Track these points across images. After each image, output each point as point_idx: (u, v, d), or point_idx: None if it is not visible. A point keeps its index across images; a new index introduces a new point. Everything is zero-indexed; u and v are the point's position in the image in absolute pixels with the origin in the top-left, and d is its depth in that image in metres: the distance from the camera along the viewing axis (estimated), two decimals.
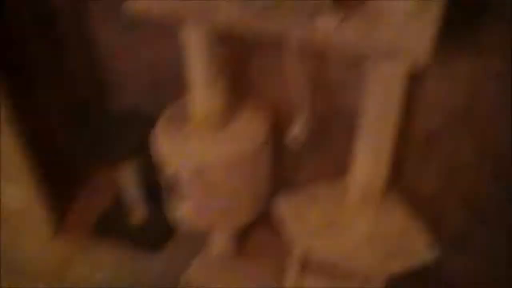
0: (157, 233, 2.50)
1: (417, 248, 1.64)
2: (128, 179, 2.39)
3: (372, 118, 1.51)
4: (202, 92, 1.71)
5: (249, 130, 1.84)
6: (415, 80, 1.56)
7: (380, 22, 1.29)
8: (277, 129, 1.91)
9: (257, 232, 2.41)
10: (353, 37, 1.28)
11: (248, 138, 1.82)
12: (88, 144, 2.24)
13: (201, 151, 1.78)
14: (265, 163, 1.93)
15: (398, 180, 1.85)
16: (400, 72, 1.39)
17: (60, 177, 2.57)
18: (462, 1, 1.44)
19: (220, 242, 2.27)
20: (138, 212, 2.50)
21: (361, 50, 1.32)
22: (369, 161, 1.60)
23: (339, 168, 1.82)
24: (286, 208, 1.77)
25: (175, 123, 1.87)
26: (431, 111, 1.78)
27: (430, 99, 1.75)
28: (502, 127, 1.69)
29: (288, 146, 1.74)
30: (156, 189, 2.12)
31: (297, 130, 1.71)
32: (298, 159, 2.14)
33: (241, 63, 1.96)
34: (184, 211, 1.94)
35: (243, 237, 2.38)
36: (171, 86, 2.11)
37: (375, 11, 1.31)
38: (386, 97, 1.45)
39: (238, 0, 1.34)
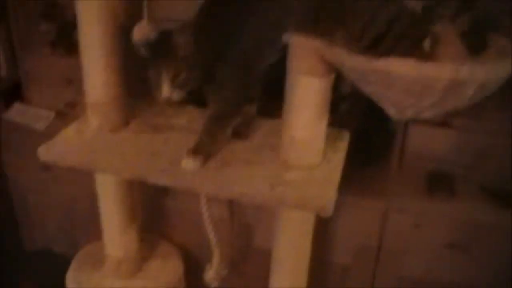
0: None
1: None
2: None
3: (285, 256, 1.51)
4: (115, 237, 1.69)
5: (163, 275, 1.82)
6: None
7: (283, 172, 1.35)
8: (192, 272, 1.91)
9: None
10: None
11: (163, 284, 1.79)
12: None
13: None
14: None
15: None
16: (307, 216, 1.42)
17: None
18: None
19: None
20: None
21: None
22: None
23: None
24: None
25: (87, 267, 1.84)
26: (344, 247, 1.82)
27: (341, 235, 1.80)
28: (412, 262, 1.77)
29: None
30: None
31: (212, 273, 1.70)
32: None
33: (154, 206, 1.97)
34: None
35: None
36: (86, 226, 2.11)
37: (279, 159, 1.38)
38: (296, 236, 1.47)
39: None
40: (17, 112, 2.21)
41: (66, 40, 2.11)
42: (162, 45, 1.24)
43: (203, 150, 1.35)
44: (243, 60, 1.32)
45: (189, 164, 1.33)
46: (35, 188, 2.23)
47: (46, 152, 1.42)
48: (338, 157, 1.44)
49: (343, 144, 1.50)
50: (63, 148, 1.44)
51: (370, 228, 1.82)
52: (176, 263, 1.88)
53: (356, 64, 1.12)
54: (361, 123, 1.80)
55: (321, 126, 1.35)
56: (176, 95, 1.26)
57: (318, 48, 1.20)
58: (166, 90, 1.24)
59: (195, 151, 1.34)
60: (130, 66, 1.43)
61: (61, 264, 2.04)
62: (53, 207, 2.26)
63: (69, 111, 2.15)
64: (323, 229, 1.68)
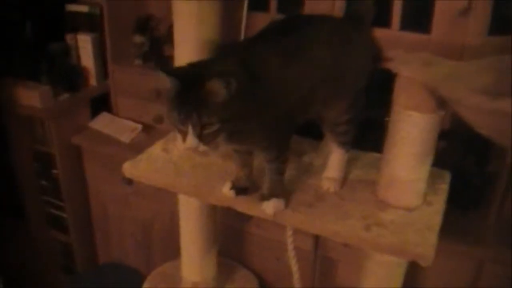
0: None
1: None
2: None
3: None
4: (193, 260, 1.63)
5: None
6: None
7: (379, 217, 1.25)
8: None
9: None
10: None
11: None
12: None
13: None
14: None
15: None
16: (401, 261, 1.31)
17: None
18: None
19: None
20: None
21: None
22: None
23: None
24: None
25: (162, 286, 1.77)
26: None
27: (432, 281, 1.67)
28: None
29: None
30: None
31: None
32: None
33: (236, 231, 1.90)
34: None
35: None
36: (164, 244, 2.12)
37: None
38: (385, 280, 1.35)
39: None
40: (103, 122, 2.21)
41: (158, 53, 2.09)
42: (192, 88, 1.03)
43: (279, 191, 1.26)
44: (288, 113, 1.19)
45: (268, 208, 1.24)
46: (116, 200, 2.23)
47: (130, 169, 1.39)
48: (439, 200, 1.32)
49: (444, 186, 1.38)
50: (148, 166, 1.40)
51: (463, 277, 1.68)
52: None
53: (477, 102, 1.02)
54: (459, 163, 1.68)
55: (425, 167, 1.25)
56: (202, 148, 1.06)
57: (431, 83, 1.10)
58: (190, 141, 1.04)
59: (270, 195, 1.25)
60: None
61: (133, 279, 2.04)
62: (132, 221, 2.25)
63: (156, 125, 2.12)
64: (412, 274, 1.55)
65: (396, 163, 1.25)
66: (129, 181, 2.03)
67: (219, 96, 1.02)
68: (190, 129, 1.03)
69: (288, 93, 1.16)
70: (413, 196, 1.28)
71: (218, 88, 1.02)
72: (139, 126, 2.14)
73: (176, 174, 1.35)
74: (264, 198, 1.24)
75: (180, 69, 1.10)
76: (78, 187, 2.29)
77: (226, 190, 1.28)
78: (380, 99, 1.33)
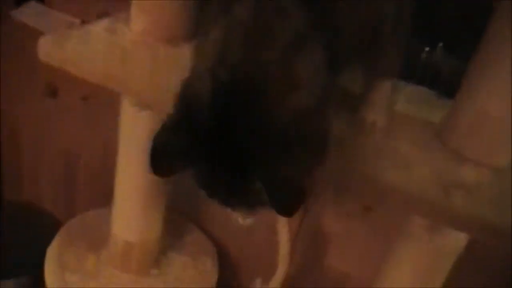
0: None
1: None
2: None
3: None
4: (130, 213, 1.16)
5: (188, 279, 1.27)
6: None
7: None
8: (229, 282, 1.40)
9: None
10: None
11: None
12: None
13: None
14: None
15: None
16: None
17: None
18: None
19: None
20: None
21: None
22: None
23: None
24: None
25: (79, 245, 1.29)
26: None
27: None
28: None
29: None
30: None
31: (274, 285, 1.17)
32: None
33: None
34: None
35: None
36: (91, 186, 1.70)
37: None
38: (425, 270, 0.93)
39: None
40: (31, 12, 1.68)
41: None
42: None
43: None
44: None
45: None
46: (32, 121, 1.73)
47: (50, 46, 0.91)
48: None
49: None
50: (81, 47, 0.90)
51: None
52: (208, 265, 1.31)
53: None
54: None
55: None
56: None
57: None
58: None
59: None
60: None
61: (48, 226, 1.62)
62: (52, 150, 1.77)
63: None
64: None
65: (491, 91, 0.79)
66: (53, 91, 1.52)
67: None
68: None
69: None
70: (506, 149, 0.81)
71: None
72: (77, 21, 1.61)
73: (124, 64, 0.83)
74: None
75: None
76: None
77: None
78: None
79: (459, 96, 0.83)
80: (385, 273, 0.97)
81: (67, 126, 1.66)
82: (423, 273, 0.91)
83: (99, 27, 0.94)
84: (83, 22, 1.61)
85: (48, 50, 0.88)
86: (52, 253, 1.28)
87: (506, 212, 0.74)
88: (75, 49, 0.88)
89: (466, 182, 0.76)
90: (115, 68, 0.85)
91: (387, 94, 0.85)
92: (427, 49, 1.22)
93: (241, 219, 0.74)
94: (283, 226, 1.04)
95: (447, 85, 1.02)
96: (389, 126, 0.83)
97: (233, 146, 0.61)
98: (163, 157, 0.68)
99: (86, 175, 1.71)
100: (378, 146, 0.78)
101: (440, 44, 1.21)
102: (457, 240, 0.85)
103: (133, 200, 1.13)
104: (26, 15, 1.68)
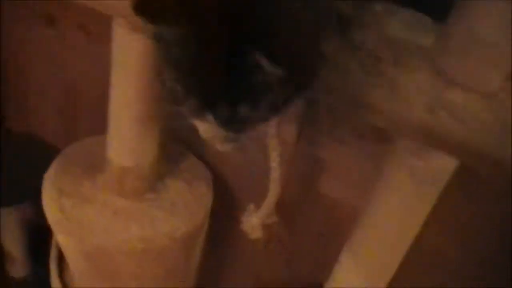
0: None
1: None
2: (9, 225, 1.89)
3: (384, 225, 0.98)
4: (125, 137, 1.14)
5: (182, 203, 1.26)
6: None
7: None
8: (224, 207, 1.38)
9: None
10: None
11: (180, 216, 1.22)
12: None
13: (106, 226, 1.19)
14: (196, 257, 1.35)
15: None
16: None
17: None
18: None
19: None
20: (19, 264, 1.97)
21: None
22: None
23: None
24: None
25: (76, 171, 1.28)
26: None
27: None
28: None
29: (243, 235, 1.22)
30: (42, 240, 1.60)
31: (257, 218, 1.17)
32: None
33: None
34: None
35: None
36: (93, 114, 1.62)
37: None
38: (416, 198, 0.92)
39: None
40: None
41: None
42: None
43: None
44: None
45: None
46: (32, 49, 1.66)
47: None
48: None
49: None
50: None
51: None
52: (203, 190, 1.30)
53: None
54: None
55: None
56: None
57: None
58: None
59: None
60: None
61: (49, 157, 1.56)
62: (53, 80, 1.71)
63: None
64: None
65: (479, 14, 0.75)
66: (51, 20, 1.48)
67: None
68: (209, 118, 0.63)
69: None
70: (495, 74, 0.79)
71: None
72: None
73: None
74: None
75: None
76: None
77: None
78: None
79: (451, 18, 0.81)
80: (373, 200, 0.97)
81: (66, 56, 1.61)
82: (410, 199, 0.91)
83: None
84: None
85: None
86: (49, 178, 1.27)
87: (494, 139, 0.74)
88: None
89: (453, 103, 0.75)
90: None
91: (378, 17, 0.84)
92: None
93: (219, 144, 0.71)
94: (273, 150, 1.03)
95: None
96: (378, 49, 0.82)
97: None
98: None
99: (87, 104, 1.68)
100: (365, 68, 0.77)
101: None
102: (444, 164, 0.85)
103: (127, 124, 1.11)
104: None
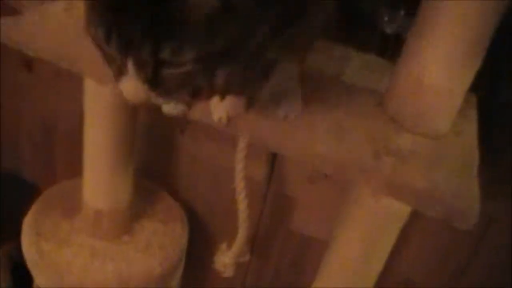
0: None
1: None
2: None
3: (347, 257, 0.98)
4: (99, 182, 1.18)
5: (158, 243, 1.29)
6: None
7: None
8: (198, 246, 1.41)
9: None
10: None
11: (156, 256, 1.25)
12: None
13: (83, 267, 1.21)
14: None
15: None
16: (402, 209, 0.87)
17: None
18: None
19: None
20: None
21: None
22: None
23: None
24: None
25: (54, 213, 1.31)
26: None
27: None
28: None
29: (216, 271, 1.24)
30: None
31: (229, 257, 1.19)
32: None
33: (162, 145, 1.42)
34: None
35: None
36: (69, 153, 1.66)
37: None
38: (374, 234, 0.93)
39: None
40: None
41: None
42: None
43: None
44: None
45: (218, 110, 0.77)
46: (10, 89, 1.69)
47: (9, 28, 0.88)
48: (471, 130, 0.89)
49: (473, 112, 0.94)
50: (38, 28, 0.89)
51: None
52: (178, 231, 1.33)
53: None
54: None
55: (472, 69, 0.80)
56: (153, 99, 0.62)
57: None
58: (130, 86, 0.59)
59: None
60: None
61: (28, 194, 1.55)
62: (30, 117, 1.74)
63: None
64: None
65: (427, 59, 0.80)
66: (28, 65, 1.52)
67: (201, 10, 0.53)
68: (132, 68, 0.56)
69: None
70: (443, 118, 0.84)
71: None
72: None
73: (77, 43, 0.84)
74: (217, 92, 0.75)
75: None
76: None
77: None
78: None
79: (398, 64, 0.85)
80: (336, 237, 0.98)
81: (43, 97, 1.64)
82: (371, 237, 0.92)
83: (57, 7, 0.95)
84: None
85: (7, 32, 0.87)
86: (28, 221, 1.30)
87: (438, 180, 0.75)
88: (32, 30, 0.88)
89: (400, 149, 0.79)
90: (69, 47, 0.86)
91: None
92: (386, 18, 1.23)
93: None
94: (240, 193, 1.06)
95: None
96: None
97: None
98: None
99: (64, 143, 1.70)
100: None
101: (402, 12, 1.22)
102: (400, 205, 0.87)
103: (100, 168, 1.14)
104: None
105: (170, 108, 0.75)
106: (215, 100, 0.75)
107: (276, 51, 0.66)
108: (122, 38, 0.54)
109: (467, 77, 0.80)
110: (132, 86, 0.58)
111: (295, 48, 0.72)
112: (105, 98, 1.02)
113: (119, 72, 0.58)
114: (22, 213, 1.35)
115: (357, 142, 0.77)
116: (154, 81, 0.57)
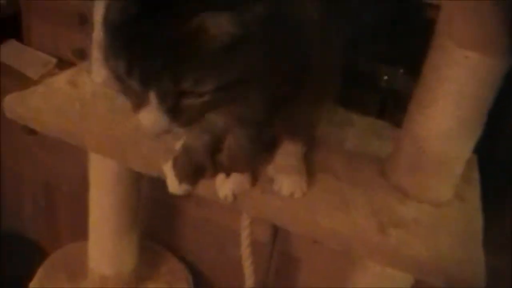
0: None
1: None
2: None
3: None
4: (105, 248, 1.17)
5: None
6: None
7: None
8: None
9: None
10: None
11: None
12: None
13: None
14: None
15: None
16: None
17: None
18: None
19: None
20: None
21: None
22: None
23: None
24: None
25: (60, 277, 1.31)
26: None
27: None
28: None
29: None
30: None
31: None
32: None
33: (167, 208, 1.43)
34: None
35: None
36: (72, 214, 1.66)
37: None
38: None
39: None
40: (9, 51, 1.68)
41: None
42: (165, 21, 0.57)
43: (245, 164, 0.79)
44: None
45: (224, 188, 0.78)
46: (13, 153, 1.72)
47: (14, 104, 0.92)
48: (474, 194, 0.90)
49: (475, 174, 0.95)
50: (43, 103, 0.92)
51: None
52: None
53: None
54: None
55: (472, 139, 0.81)
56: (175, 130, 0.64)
57: None
58: (152, 119, 0.60)
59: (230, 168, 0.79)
60: None
61: (32, 255, 1.60)
62: (34, 180, 1.74)
63: (76, 60, 1.60)
64: None
65: (429, 130, 0.81)
66: (31, 131, 1.53)
67: (219, 40, 0.56)
68: (154, 100, 0.58)
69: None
70: (446, 185, 0.85)
71: (219, 25, 0.55)
72: (53, 60, 1.63)
73: (83, 118, 0.87)
74: (222, 169, 0.77)
75: None
76: None
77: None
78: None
79: (401, 133, 0.87)
80: None
81: (46, 158, 1.66)
82: None
83: (61, 81, 0.97)
84: (59, 59, 1.65)
85: (13, 107, 0.90)
86: (34, 286, 1.29)
87: (442, 249, 0.76)
88: (37, 105, 0.90)
89: (404, 219, 0.79)
90: (74, 122, 0.88)
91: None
92: (385, 77, 1.24)
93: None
94: (246, 259, 1.06)
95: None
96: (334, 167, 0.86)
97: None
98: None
99: (67, 204, 1.71)
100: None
101: (401, 70, 1.23)
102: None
103: (106, 234, 1.14)
104: (4, 54, 1.70)
105: (175, 187, 0.76)
106: (221, 177, 0.76)
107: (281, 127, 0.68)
108: (143, 70, 0.56)
109: (469, 146, 0.82)
110: (152, 117, 0.59)
111: (299, 126, 0.74)
112: (110, 168, 1.03)
113: (139, 103, 0.59)
114: (29, 274, 1.34)
115: (362, 215, 0.78)
116: (175, 111, 0.59)
